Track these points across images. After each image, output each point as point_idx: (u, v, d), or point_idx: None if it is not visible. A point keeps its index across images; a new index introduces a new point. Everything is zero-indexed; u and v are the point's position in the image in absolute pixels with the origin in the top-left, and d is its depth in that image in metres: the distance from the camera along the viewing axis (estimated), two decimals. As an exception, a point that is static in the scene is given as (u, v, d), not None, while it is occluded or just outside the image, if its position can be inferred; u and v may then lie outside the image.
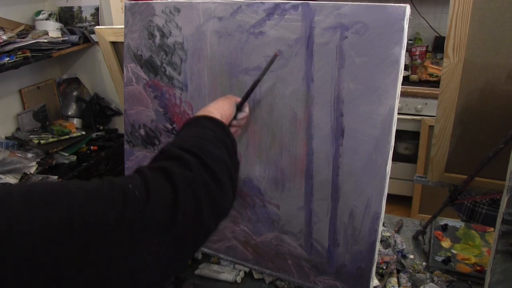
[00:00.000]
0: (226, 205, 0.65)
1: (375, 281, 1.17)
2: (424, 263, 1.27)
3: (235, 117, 0.87)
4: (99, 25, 2.44)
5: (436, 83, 2.67)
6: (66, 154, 2.26)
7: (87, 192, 0.50)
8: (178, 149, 0.63)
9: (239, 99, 0.88)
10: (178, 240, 0.55)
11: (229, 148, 0.71)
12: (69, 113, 2.57)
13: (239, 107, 0.88)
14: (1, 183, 1.88)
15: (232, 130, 0.86)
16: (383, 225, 1.45)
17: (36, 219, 0.43)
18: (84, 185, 0.51)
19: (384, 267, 1.23)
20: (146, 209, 0.51)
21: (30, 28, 2.37)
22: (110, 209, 0.49)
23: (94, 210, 0.48)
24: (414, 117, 2.68)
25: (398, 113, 0.80)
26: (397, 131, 0.81)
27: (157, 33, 1.04)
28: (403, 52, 0.76)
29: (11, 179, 1.94)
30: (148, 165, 0.62)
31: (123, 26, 1.12)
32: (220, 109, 0.81)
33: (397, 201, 2.91)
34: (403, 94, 2.65)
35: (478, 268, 1.22)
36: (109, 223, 0.48)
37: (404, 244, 1.36)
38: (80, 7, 2.49)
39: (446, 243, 1.35)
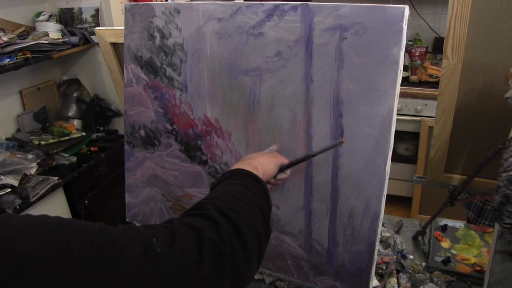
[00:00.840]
0: (249, 278, 0.61)
1: (374, 281, 1.17)
2: (423, 264, 1.27)
3: (274, 177, 0.86)
4: (99, 26, 2.45)
5: (436, 84, 2.67)
6: (67, 155, 2.26)
7: (107, 237, 0.48)
8: (216, 210, 0.60)
9: (285, 161, 0.88)
10: None
11: (266, 216, 0.69)
12: (69, 114, 2.57)
13: (282, 169, 0.87)
14: (1, 183, 1.88)
15: (268, 186, 0.84)
16: (383, 225, 1.45)
17: (48, 252, 0.43)
18: (107, 229, 0.49)
19: (384, 268, 1.23)
20: (164, 268, 0.49)
21: (30, 30, 2.37)
22: (127, 259, 0.47)
23: (110, 256, 0.46)
24: (414, 118, 2.68)
25: (398, 114, 0.81)
26: (397, 132, 0.81)
27: (157, 34, 1.04)
28: (402, 52, 0.76)
29: (12, 180, 1.94)
30: (182, 217, 0.60)
31: (123, 27, 1.12)
32: (264, 166, 0.80)
33: (397, 201, 2.91)
34: (403, 95, 2.65)
35: (478, 268, 1.23)
36: (123, 273, 0.46)
37: (403, 244, 1.36)
38: (80, 9, 2.50)
39: (445, 244, 1.35)
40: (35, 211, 1.94)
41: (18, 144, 2.27)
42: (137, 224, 1.25)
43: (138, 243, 0.49)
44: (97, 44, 2.19)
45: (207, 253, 0.53)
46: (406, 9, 0.75)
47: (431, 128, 2.44)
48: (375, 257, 0.88)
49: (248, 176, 0.74)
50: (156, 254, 0.49)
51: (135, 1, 2.38)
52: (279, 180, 0.89)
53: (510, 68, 0.90)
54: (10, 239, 0.42)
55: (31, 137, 2.31)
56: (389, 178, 0.84)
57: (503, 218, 0.67)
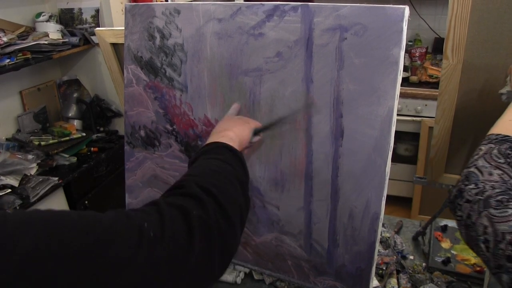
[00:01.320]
0: (235, 247, 0.64)
1: (374, 282, 1.17)
2: (423, 264, 1.28)
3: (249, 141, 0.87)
4: (99, 26, 2.45)
5: (436, 84, 2.67)
6: (67, 156, 2.26)
7: (102, 226, 0.48)
8: (197, 187, 0.62)
9: (258, 124, 0.88)
10: (188, 283, 0.54)
11: (245, 187, 0.71)
12: (70, 115, 2.57)
13: (256, 133, 0.88)
14: (1, 184, 1.89)
15: (244, 151, 0.86)
16: (383, 226, 1.45)
17: (47, 247, 0.43)
18: (100, 217, 0.50)
19: (384, 268, 1.23)
20: (159, 250, 0.50)
21: (30, 30, 2.38)
22: (124, 247, 0.48)
23: (108, 245, 0.47)
24: (414, 118, 2.68)
25: (398, 115, 0.81)
26: (397, 132, 0.81)
27: (157, 35, 1.04)
28: (402, 53, 0.76)
29: (12, 181, 1.94)
30: (165, 197, 0.61)
31: (123, 28, 1.12)
32: (240, 135, 0.81)
33: (397, 202, 2.91)
34: (403, 95, 2.65)
35: (478, 268, 1.23)
36: (122, 261, 0.47)
37: (404, 245, 1.36)
38: (80, 9, 2.50)
39: (445, 244, 1.35)
40: (35, 211, 1.93)
41: (18, 144, 2.27)
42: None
43: (132, 229, 0.50)
44: (97, 44, 2.19)
45: (196, 230, 0.55)
46: (406, 9, 0.75)
47: (431, 128, 2.44)
48: (375, 257, 0.88)
49: (225, 149, 0.75)
50: (150, 238, 0.50)
51: (135, 2, 2.38)
52: (254, 143, 0.89)
53: (510, 65, 0.90)
54: (8, 240, 0.42)
55: (31, 137, 2.31)
56: (389, 179, 0.84)
57: (456, 211, 0.70)
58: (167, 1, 2.63)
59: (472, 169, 0.71)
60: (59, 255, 0.43)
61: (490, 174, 0.68)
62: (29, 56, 2.15)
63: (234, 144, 0.77)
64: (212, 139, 0.80)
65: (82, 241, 0.45)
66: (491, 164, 0.70)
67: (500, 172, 0.68)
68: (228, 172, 0.69)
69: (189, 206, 0.57)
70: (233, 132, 0.81)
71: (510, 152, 0.71)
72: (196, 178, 0.65)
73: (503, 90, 0.94)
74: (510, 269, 0.58)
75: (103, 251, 0.46)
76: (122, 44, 1.15)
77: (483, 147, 0.74)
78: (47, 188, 1.98)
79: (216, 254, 0.57)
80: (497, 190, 0.65)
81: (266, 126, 0.89)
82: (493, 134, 0.77)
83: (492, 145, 0.73)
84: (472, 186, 0.68)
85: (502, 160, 0.70)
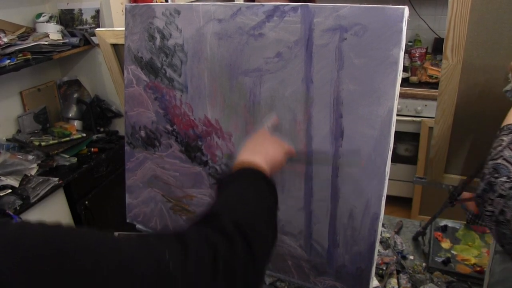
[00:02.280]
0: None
1: (375, 282, 1.18)
2: (424, 264, 1.28)
3: None
4: (99, 27, 2.45)
5: (436, 85, 2.67)
6: (67, 156, 2.26)
7: (121, 255, 0.47)
8: (232, 223, 0.59)
9: (292, 150, 0.87)
10: None
11: (275, 218, 0.69)
12: (70, 115, 2.57)
13: (289, 160, 0.86)
14: (2, 184, 1.89)
15: None
16: (383, 226, 1.45)
17: (58, 266, 0.42)
18: (120, 245, 0.49)
19: (384, 268, 1.23)
20: (175, 285, 0.48)
21: (31, 31, 2.38)
22: (139, 280, 0.46)
23: (124, 280, 0.46)
24: (414, 118, 2.69)
25: (398, 115, 0.81)
26: (397, 132, 0.81)
27: (157, 35, 1.05)
28: (402, 53, 0.77)
29: (12, 181, 1.94)
30: (196, 225, 0.59)
31: (123, 28, 1.12)
32: (273, 158, 0.79)
33: (397, 202, 2.91)
34: (403, 95, 2.65)
35: (478, 268, 1.23)
36: None
37: (404, 245, 1.36)
38: (80, 10, 2.50)
39: (446, 244, 1.35)
40: (36, 212, 1.94)
41: (18, 145, 2.27)
42: (138, 226, 1.25)
43: (151, 259, 0.48)
44: (98, 45, 2.19)
45: (221, 273, 0.52)
46: (406, 10, 0.75)
47: (431, 128, 2.44)
48: (375, 257, 0.88)
49: (259, 178, 0.72)
50: (168, 271, 0.48)
51: (135, 2, 2.38)
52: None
53: (511, 63, 0.90)
54: (25, 252, 0.42)
55: (32, 138, 2.31)
56: (389, 179, 0.84)
57: (485, 206, 0.66)
58: (167, 1, 2.64)
59: (499, 161, 0.67)
60: (72, 280, 0.42)
61: None
62: (29, 56, 2.15)
63: (267, 169, 0.75)
64: (246, 157, 0.76)
65: (98, 268, 0.44)
66: None
67: None
68: (261, 206, 0.67)
69: (219, 245, 0.54)
70: (267, 153, 0.78)
71: None
72: (231, 213, 0.62)
73: (508, 87, 0.93)
74: None
75: (117, 281, 0.45)
76: (122, 44, 1.15)
77: (505, 138, 0.71)
78: (47, 189, 1.98)
79: None
80: None
81: (299, 158, 0.87)
82: (510, 124, 0.74)
83: None
84: (504, 179, 0.64)
85: None
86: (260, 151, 0.79)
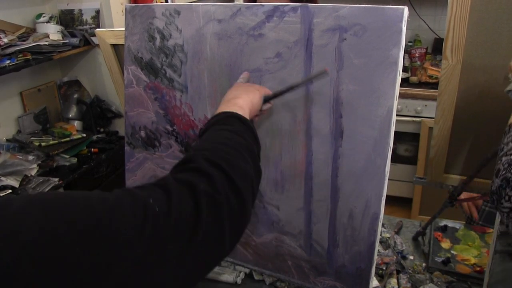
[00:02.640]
0: (245, 224, 0.63)
1: (374, 282, 1.18)
2: (423, 264, 1.28)
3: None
4: (99, 27, 2.45)
5: (436, 85, 2.66)
6: (67, 156, 2.26)
7: (108, 204, 0.48)
8: (206, 161, 0.60)
9: (268, 91, 0.85)
10: (196, 259, 0.54)
11: (255, 158, 0.69)
12: (70, 116, 2.57)
13: (266, 100, 0.85)
14: (2, 184, 1.89)
15: (255, 119, 0.84)
16: (383, 226, 1.45)
17: (53, 228, 0.43)
18: (105, 196, 0.50)
19: (384, 268, 1.23)
20: (165, 226, 0.50)
21: (31, 31, 2.38)
22: (130, 224, 0.48)
23: (114, 223, 0.47)
24: (414, 118, 2.69)
25: (398, 115, 0.81)
26: (397, 133, 0.81)
27: (157, 36, 1.05)
28: (401, 53, 0.77)
29: (12, 181, 1.94)
30: (173, 173, 0.59)
31: (123, 29, 1.12)
32: (250, 103, 0.78)
33: (397, 202, 2.91)
34: (403, 96, 2.65)
35: (478, 268, 1.23)
36: (128, 238, 0.47)
37: (404, 245, 1.36)
38: (80, 10, 2.50)
39: (445, 244, 1.35)
40: (36, 212, 1.94)
41: (18, 145, 2.28)
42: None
43: (137, 207, 0.50)
44: (98, 45, 2.19)
45: (204, 205, 0.54)
46: (405, 10, 0.75)
47: (431, 129, 2.44)
48: (375, 257, 0.88)
49: (235, 119, 0.72)
50: (155, 214, 0.50)
51: (135, 3, 2.38)
52: (264, 111, 0.87)
53: (510, 63, 0.90)
54: (13, 223, 0.42)
55: (32, 138, 2.31)
56: (389, 179, 0.84)
57: (502, 202, 0.65)
58: (167, 2, 2.64)
59: None
60: (64, 235, 0.43)
61: None
62: (29, 57, 2.15)
63: (244, 112, 0.75)
64: (221, 108, 0.77)
65: (86, 221, 0.45)
66: None
67: None
68: (238, 143, 0.67)
69: (196, 181, 0.56)
70: (243, 99, 0.78)
71: None
72: (205, 153, 0.63)
73: (510, 87, 0.93)
74: None
75: (108, 229, 0.46)
76: (122, 45, 1.15)
77: None
78: (47, 189, 1.98)
79: (225, 229, 0.56)
80: None
81: (276, 93, 0.86)
82: None
83: None
84: None
85: None
86: (235, 98, 0.78)
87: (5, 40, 2.11)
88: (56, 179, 2.05)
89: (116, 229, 0.46)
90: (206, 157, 0.61)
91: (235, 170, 0.61)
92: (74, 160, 2.27)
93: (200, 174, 0.58)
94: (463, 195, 1.22)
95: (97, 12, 2.47)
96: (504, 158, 0.69)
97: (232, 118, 0.73)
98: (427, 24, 3.02)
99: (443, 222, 1.45)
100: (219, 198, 0.56)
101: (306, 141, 0.90)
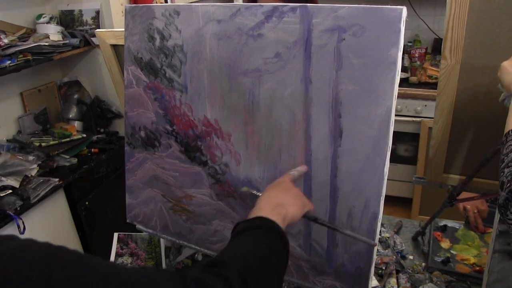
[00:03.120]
0: None
1: (374, 281, 1.18)
2: (423, 264, 1.28)
3: None
4: (99, 28, 2.45)
5: (435, 85, 2.66)
6: (67, 157, 2.26)
7: (124, 279, 0.50)
8: (237, 276, 0.59)
9: (311, 207, 0.85)
10: None
11: (282, 279, 0.69)
12: (70, 116, 2.58)
13: (304, 217, 0.84)
14: (2, 185, 1.89)
15: None
16: (383, 226, 1.46)
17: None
18: (124, 271, 0.51)
19: (384, 268, 1.24)
20: None
21: (31, 32, 2.38)
22: None
23: None
24: (414, 119, 2.69)
25: (398, 115, 0.81)
26: (397, 133, 0.81)
27: (157, 36, 1.05)
28: (400, 53, 0.77)
29: (12, 182, 1.94)
30: (200, 272, 0.59)
31: (123, 29, 1.13)
32: (292, 218, 0.77)
33: (397, 202, 2.92)
34: (403, 96, 2.65)
35: (477, 268, 1.23)
36: None
37: (403, 245, 1.36)
38: (80, 11, 2.50)
39: (445, 244, 1.36)
40: (36, 212, 1.94)
41: (19, 145, 2.28)
42: (138, 226, 1.25)
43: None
44: (98, 46, 2.19)
45: None
46: (404, 10, 0.75)
47: (431, 129, 2.44)
48: (374, 257, 0.89)
49: (275, 235, 0.70)
50: None
51: (135, 3, 2.38)
52: None
53: (498, 73, 0.90)
54: (33, 273, 0.43)
55: (32, 138, 2.32)
56: (389, 179, 0.84)
57: (508, 214, 0.66)
58: (167, 2, 2.64)
59: None
60: None
61: None
62: (29, 57, 2.15)
63: (284, 225, 0.73)
64: (266, 208, 0.75)
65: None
66: None
67: None
68: (271, 265, 0.66)
69: None
70: (287, 211, 0.76)
71: None
72: (239, 263, 0.62)
73: (503, 97, 0.94)
74: None
75: None
76: (122, 45, 1.15)
77: None
78: (47, 189, 1.98)
79: None
80: None
81: (317, 220, 0.86)
82: None
83: None
84: None
85: None
86: (281, 205, 0.77)
87: (6, 40, 2.11)
88: (56, 180, 2.05)
89: None
90: (239, 271, 0.60)
91: None
92: (74, 160, 2.27)
93: (226, 286, 0.57)
94: (463, 195, 1.22)
95: (97, 12, 2.47)
96: (506, 170, 0.69)
97: (274, 232, 0.71)
98: (426, 24, 3.02)
99: (443, 222, 1.45)
100: None
101: (305, 141, 0.90)
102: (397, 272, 1.24)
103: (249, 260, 0.64)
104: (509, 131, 0.77)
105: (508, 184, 0.67)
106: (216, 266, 0.61)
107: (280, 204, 0.77)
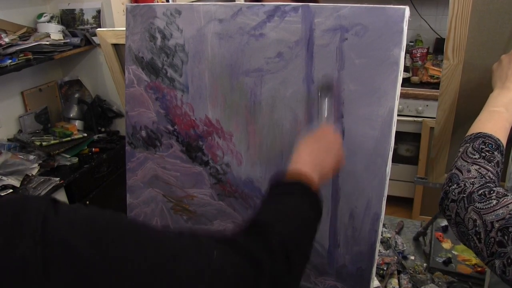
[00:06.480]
0: None
1: (375, 282, 1.18)
2: (424, 264, 1.28)
3: None
4: (100, 27, 2.45)
5: (437, 85, 2.67)
6: (68, 156, 2.27)
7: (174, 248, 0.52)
8: (279, 244, 0.60)
9: (343, 161, 0.83)
10: None
11: (314, 236, 0.71)
12: (71, 115, 2.58)
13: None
14: (3, 184, 1.89)
15: None
16: (384, 226, 1.45)
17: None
18: (174, 240, 0.53)
19: (385, 268, 1.23)
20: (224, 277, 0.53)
21: (32, 31, 2.38)
22: (192, 266, 0.51)
23: (178, 263, 0.50)
24: (415, 118, 2.68)
25: (399, 115, 0.81)
26: (398, 133, 0.81)
27: (158, 35, 1.05)
28: (403, 53, 0.77)
29: (13, 181, 1.94)
30: (246, 236, 0.62)
31: (124, 29, 1.12)
32: (326, 176, 0.77)
33: (398, 202, 2.91)
34: (404, 95, 2.65)
35: (479, 269, 1.23)
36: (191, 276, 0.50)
37: (404, 245, 1.36)
38: (81, 10, 2.50)
39: (446, 244, 1.35)
40: (37, 212, 1.94)
41: (19, 145, 2.28)
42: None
43: (201, 255, 0.52)
44: (99, 45, 2.19)
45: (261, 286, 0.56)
46: (407, 10, 0.75)
47: (432, 129, 2.43)
48: (376, 257, 0.88)
49: (312, 197, 0.70)
50: (214, 269, 0.52)
51: (136, 2, 2.38)
52: None
53: (494, 64, 0.92)
54: (100, 233, 0.47)
55: (33, 138, 2.32)
56: (390, 179, 0.84)
57: (445, 211, 0.75)
58: (168, 1, 2.64)
59: (453, 171, 0.77)
60: (137, 270, 0.47)
61: (469, 171, 0.74)
62: (30, 56, 2.15)
63: (319, 184, 0.73)
64: (304, 165, 0.74)
65: (155, 259, 0.49)
66: (467, 162, 0.76)
67: (477, 167, 0.74)
68: (311, 228, 0.69)
69: (264, 263, 0.57)
70: (324, 174, 0.76)
71: (483, 147, 0.77)
72: (280, 229, 0.63)
73: None
74: (502, 254, 0.63)
75: (174, 267, 0.49)
76: (123, 44, 1.15)
77: (461, 149, 0.80)
78: (48, 189, 1.98)
79: None
80: (477, 185, 0.70)
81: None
82: (467, 135, 0.82)
83: (467, 144, 0.79)
84: (455, 186, 0.74)
85: (477, 156, 0.76)
86: (318, 163, 0.75)
87: (6, 39, 2.11)
88: (57, 179, 2.05)
89: (181, 268, 0.50)
90: (281, 238, 0.62)
91: (300, 261, 0.65)
92: (75, 159, 2.27)
93: (269, 255, 0.58)
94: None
95: (98, 11, 2.47)
96: (446, 174, 0.80)
97: (312, 195, 0.71)
98: (428, 24, 3.02)
99: (444, 222, 1.45)
100: (276, 285, 0.58)
101: (307, 141, 0.90)
102: (399, 272, 1.23)
103: (289, 224, 0.65)
104: (465, 136, 0.83)
105: (445, 186, 0.76)
106: (258, 231, 0.62)
107: (320, 164, 0.76)
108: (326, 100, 0.85)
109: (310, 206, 0.70)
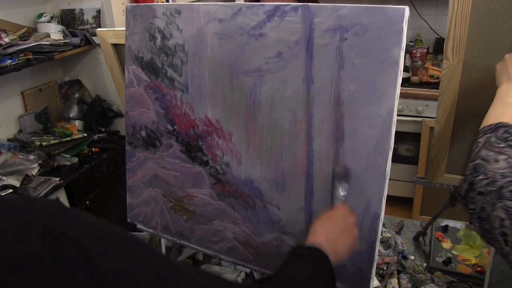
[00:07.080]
0: None
1: (375, 282, 1.18)
2: (424, 264, 1.28)
3: None
4: (100, 27, 2.45)
5: (437, 85, 2.67)
6: (68, 156, 2.27)
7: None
8: None
9: (357, 245, 0.84)
10: None
11: None
12: (71, 115, 2.58)
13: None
14: (3, 184, 1.89)
15: None
16: (384, 226, 1.45)
17: None
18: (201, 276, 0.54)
19: (385, 268, 1.23)
20: None
21: (32, 31, 2.38)
22: None
23: None
24: (415, 118, 2.68)
25: (399, 115, 0.81)
26: (398, 132, 0.81)
27: (158, 35, 1.05)
28: (402, 53, 0.77)
29: (13, 181, 1.94)
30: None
31: (124, 29, 1.12)
32: (341, 257, 0.78)
33: (398, 202, 2.91)
34: (404, 95, 2.65)
35: (479, 269, 1.23)
36: None
37: (404, 245, 1.36)
38: (81, 10, 2.50)
39: (446, 244, 1.35)
40: (37, 211, 1.94)
41: (19, 145, 2.28)
42: (139, 226, 1.25)
43: None
44: (99, 45, 2.19)
45: None
46: (406, 9, 0.75)
47: (432, 128, 2.43)
48: (376, 257, 0.88)
49: (330, 275, 0.72)
50: None
51: (136, 2, 2.38)
52: None
53: (498, 64, 0.91)
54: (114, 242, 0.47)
55: (33, 138, 2.32)
56: (390, 179, 0.84)
57: (468, 205, 0.69)
58: (168, 1, 2.64)
59: (477, 161, 0.70)
60: None
61: (496, 161, 0.67)
62: (30, 56, 2.15)
63: (334, 262, 0.74)
64: (323, 240, 0.75)
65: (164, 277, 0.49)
66: (494, 151, 0.69)
67: (505, 156, 0.68)
68: None
69: None
70: (341, 251, 0.78)
71: (507, 135, 0.71)
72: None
73: None
74: None
75: None
76: (123, 44, 1.15)
77: (480, 139, 0.75)
78: (48, 189, 1.98)
79: None
80: (509, 179, 0.63)
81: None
82: (485, 126, 0.78)
83: (489, 135, 0.74)
84: (482, 176, 0.67)
85: (503, 145, 0.70)
86: (333, 244, 0.77)
87: (6, 39, 2.11)
88: (57, 179, 2.05)
89: None
90: None
91: None
92: (75, 159, 2.27)
93: None
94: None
95: (98, 11, 2.47)
96: (470, 164, 0.72)
97: (328, 271, 0.72)
98: (428, 24, 3.02)
99: (444, 222, 1.45)
100: None
101: (307, 141, 0.90)
102: (398, 272, 1.23)
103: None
104: (480, 129, 0.79)
105: (469, 177, 0.70)
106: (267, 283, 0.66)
107: (337, 239, 0.78)
108: (343, 183, 0.87)
109: (325, 285, 0.71)
